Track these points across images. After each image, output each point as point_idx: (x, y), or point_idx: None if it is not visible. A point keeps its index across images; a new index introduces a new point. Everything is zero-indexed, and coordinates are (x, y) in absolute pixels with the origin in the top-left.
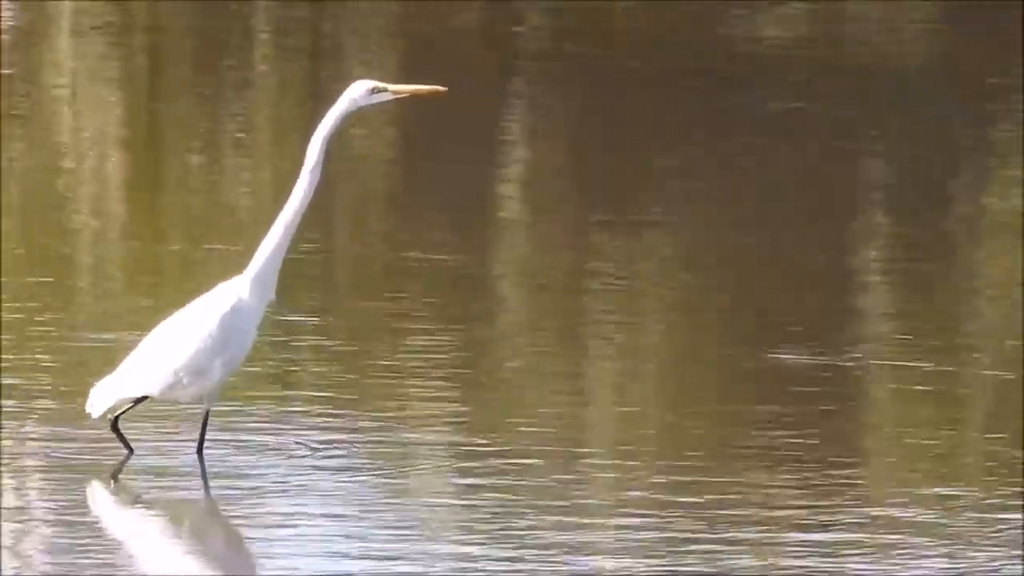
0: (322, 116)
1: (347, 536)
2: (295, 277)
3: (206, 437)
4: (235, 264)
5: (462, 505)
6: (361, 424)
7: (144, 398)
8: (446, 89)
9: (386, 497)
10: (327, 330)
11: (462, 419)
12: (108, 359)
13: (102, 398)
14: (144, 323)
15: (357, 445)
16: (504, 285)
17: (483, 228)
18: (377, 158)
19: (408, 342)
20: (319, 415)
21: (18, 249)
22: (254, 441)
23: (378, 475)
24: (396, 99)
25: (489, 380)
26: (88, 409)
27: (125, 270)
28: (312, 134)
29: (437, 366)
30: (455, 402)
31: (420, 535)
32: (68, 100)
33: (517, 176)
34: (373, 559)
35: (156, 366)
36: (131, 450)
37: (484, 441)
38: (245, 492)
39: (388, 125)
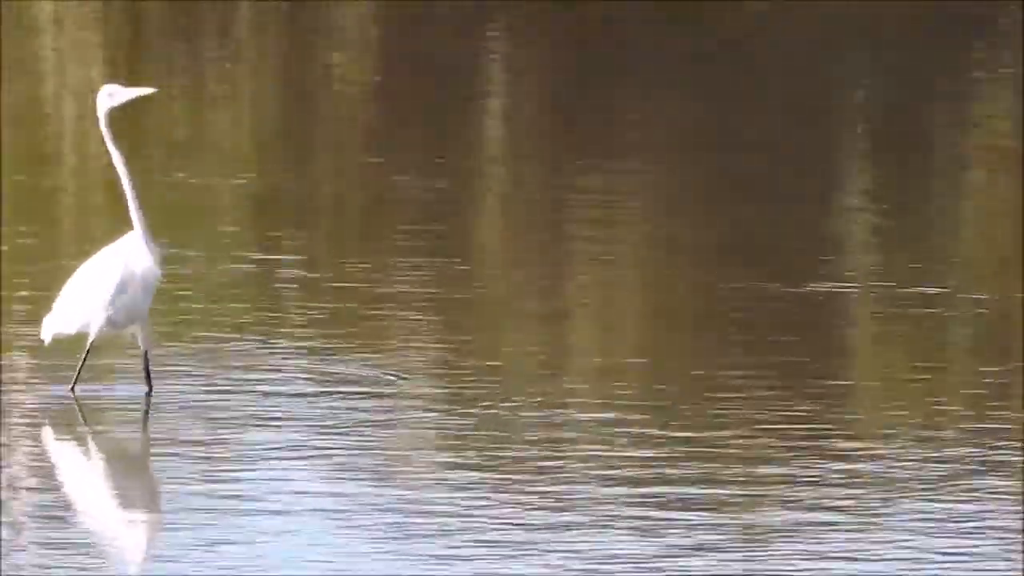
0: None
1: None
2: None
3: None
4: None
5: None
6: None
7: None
8: (156, 90)
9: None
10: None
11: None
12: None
13: (47, 330)
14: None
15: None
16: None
17: (465, 163)
18: (360, 95)
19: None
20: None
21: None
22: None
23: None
24: (130, 99)
25: (473, 313)
26: (42, 336)
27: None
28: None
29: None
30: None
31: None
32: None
33: (497, 113)
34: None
35: (73, 308)
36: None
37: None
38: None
39: (373, 61)
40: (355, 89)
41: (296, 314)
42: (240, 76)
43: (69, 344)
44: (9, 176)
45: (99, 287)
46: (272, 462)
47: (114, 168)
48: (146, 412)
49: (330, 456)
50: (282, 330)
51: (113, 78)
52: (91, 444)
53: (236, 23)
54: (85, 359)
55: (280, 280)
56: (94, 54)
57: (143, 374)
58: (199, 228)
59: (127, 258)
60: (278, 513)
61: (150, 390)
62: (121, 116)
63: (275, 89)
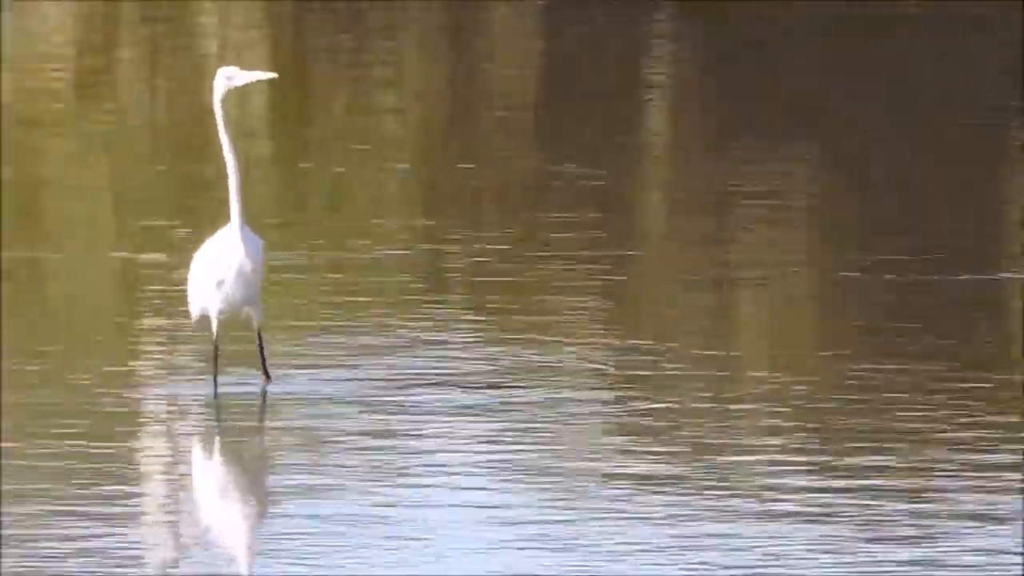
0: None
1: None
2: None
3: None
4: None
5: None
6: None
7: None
8: (276, 75)
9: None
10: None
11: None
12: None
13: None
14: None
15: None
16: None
17: (629, 151)
18: (524, 91)
19: (559, 260)
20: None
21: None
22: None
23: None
24: (247, 83)
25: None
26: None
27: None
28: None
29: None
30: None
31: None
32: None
33: (662, 98)
34: None
35: (190, 297)
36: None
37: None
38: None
39: (535, 57)
40: (519, 76)
41: (462, 301)
42: (403, 72)
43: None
44: (176, 170)
45: (201, 279)
46: (441, 456)
47: (224, 154)
48: (318, 401)
49: (501, 449)
50: (451, 318)
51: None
52: (259, 439)
53: (401, 22)
54: (216, 349)
55: (447, 267)
56: (258, 54)
57: (259, 360)
58: (366, 216)
59: (222, 250)
60: (443, 506)
61: (267, 377)
62: (288, 112)
63: (439, 83)
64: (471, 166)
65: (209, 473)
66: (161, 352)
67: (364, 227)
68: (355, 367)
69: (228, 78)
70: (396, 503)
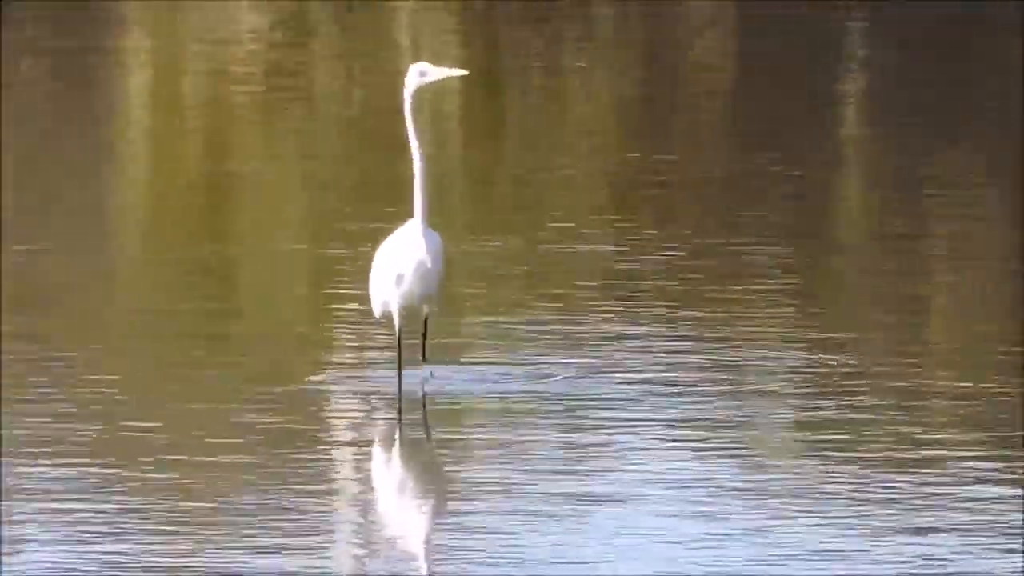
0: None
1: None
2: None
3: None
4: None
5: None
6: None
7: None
8: (467, 72)
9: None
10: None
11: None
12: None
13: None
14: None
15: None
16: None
17: (825, 146)
18: (720, 87)
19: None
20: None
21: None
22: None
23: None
24: (439, 79)
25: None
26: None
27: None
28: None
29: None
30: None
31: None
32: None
33: (851, 97)
34: None
35: (372, 293)
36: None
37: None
38: None
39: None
40: (712, 76)
41: (656, 296)
42: (597, 70)
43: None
44: (362, 165)
45: (382, 274)
46: (634, 451)
47: (411, 150)
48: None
49: (695, 446)
50: (644, 314)
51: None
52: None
53: (596, 19)
54: (399, 343)
55: (640, 262)
56: (450, 52)
57: (420, 343)
58: (560, 209)
59: (403, 246)
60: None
61: (424, 357)
62: (475, 107)
63: (633, 79)
64: (668, 158)
65: (395, 468)
66: (351, 345)
67: (559, 221)
68: (546, 362)
69: (421, 74)
70: (590, 497)
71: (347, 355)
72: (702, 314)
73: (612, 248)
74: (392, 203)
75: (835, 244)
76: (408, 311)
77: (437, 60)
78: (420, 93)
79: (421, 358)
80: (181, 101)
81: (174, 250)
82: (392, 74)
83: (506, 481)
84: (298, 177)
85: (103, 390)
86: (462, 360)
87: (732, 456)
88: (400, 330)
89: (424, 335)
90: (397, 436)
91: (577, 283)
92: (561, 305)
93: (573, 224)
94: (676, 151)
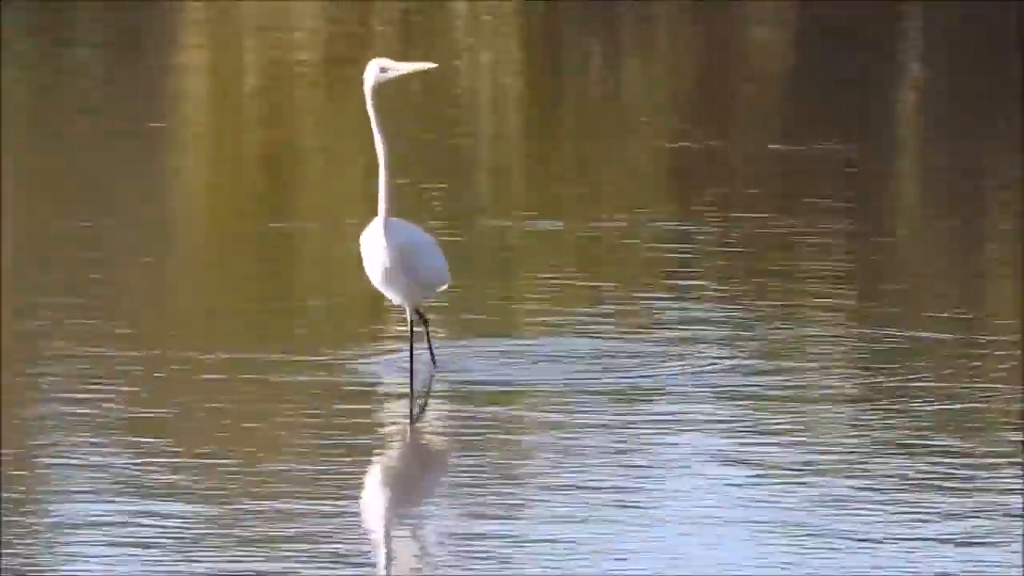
0: None
1: None
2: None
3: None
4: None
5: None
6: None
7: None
8: (436, 65)
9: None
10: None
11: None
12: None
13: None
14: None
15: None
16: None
17: (883, 133)
18: (776, 66)
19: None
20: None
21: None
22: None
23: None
24: (400, 74)
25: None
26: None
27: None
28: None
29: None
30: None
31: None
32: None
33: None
34: None
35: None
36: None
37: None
38: None
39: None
40: (772, 64)
41: (712, 280)
42: (655, 53)
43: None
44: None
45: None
46: (697, 444)
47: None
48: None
49: (756, 433)
50: (701, 296)
51: (525, 75)
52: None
53: (652, 19)
54: (410, 328)
55: (697, 245)
56: (509, 53)
57: (427, 347)
58: (619, 191)
59: (369, 245)
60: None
61: (433, 362)
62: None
63: (689, 79)
64: (724, 142)
65: (440, 462)
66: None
67: (617, 202)
68: (603, 344)
69: (382, 69)
70: (647, 492)
71: (397, 332)
72: (759, 295)
73: (671, 229)
74: (446, 178)
75: (892, 225)
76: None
77: (494, 54)
78: (387, 88)
79: (432, 363)
80: (242, 83)
81: (237, 225)
82: (448, 61)
83: (560, 466)
84: (356, 153)
85: (167, 363)
86: (513, 341)
87: (788, 436)
88: (409, 319)
89: (428, 338)
90: (411, 423)
91: (635, 265)
92: (618, 285)
93: (633, 207)
94: (732, 136)
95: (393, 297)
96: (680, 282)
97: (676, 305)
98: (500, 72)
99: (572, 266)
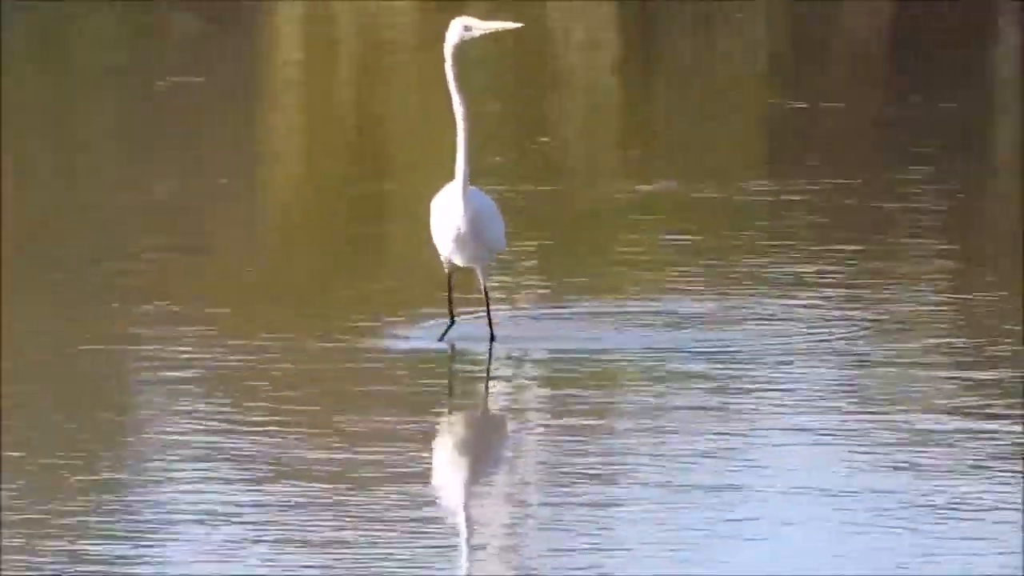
0: None
1: None
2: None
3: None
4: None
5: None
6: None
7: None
8: (523, 24)
9: None
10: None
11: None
12: None
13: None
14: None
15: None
16: None
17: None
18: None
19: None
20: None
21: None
22: None
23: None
24: (486, 33)
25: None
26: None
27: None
28: None
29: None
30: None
31: None
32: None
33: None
34: None
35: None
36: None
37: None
38: None
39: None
40: (865, 38)
41: (804, 244)
42: (749, 34)
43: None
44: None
45: (433, 230)
46: (783, 434)
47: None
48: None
49: (849, 416)
50: (794, 265)
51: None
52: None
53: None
54: (450, 299)
55: (789, 210)
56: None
57: (486, 318)
58: (709, 154)
59: (445, 208)
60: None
61: (492, 337)
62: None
63: (786, 36)
64: (823, 106)
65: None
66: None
67: (705, 167)
68: (690, 310)
69: (466, 28)
70: (733, 486)
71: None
72: (853, 266)
73: (763, 196)
74: (537, 136)
75: (992, 195)
76: (457, 266)
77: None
78: (468, 49)
79: (489, 337)
80: (335, 58)
81: (332, 186)
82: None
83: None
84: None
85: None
86: (604, 307)
87: (886, 424)
88: (449, 285)
89: (488, 310)
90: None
91: (724, 232)
92: (713, 256)
93: (726, 172)
94: (829, 99)
95: (459, 260)
96: (772, 248)
97: (768, 268)
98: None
99: (684, 229)
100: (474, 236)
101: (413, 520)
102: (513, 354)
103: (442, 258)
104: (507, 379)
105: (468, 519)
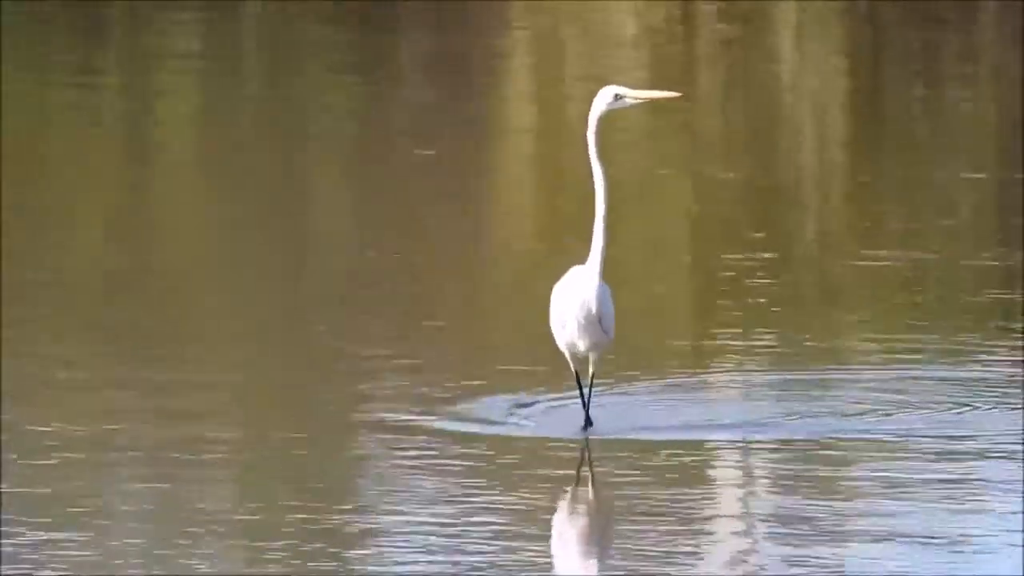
0: None
1: None
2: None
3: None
4: None
5: None
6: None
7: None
8: (681, 94)
9: None
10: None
11: None
12: None
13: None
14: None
15: None
16: None
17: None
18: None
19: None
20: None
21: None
22: None
23: None
24: (637, 103)
25: None
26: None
27: None
28: None
29: None
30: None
31: None
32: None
33: None
34: None
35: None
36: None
37: None
38: None
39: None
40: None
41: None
42: (980, 68)
43: None
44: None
45: (552, 313)
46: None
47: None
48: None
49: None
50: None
51: (852, 75)
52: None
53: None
54: (578, 386)
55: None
56: (832, 56)
57: (583, 403)
58: (939, 220)
59: (572, 293)
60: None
61: (586, 425)
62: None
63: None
64: None
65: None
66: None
67: (939, 233)
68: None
69: (617, 96)
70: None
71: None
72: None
73: (1000, 260)
74: (774, 216)
75: None
76: (576, 356)
77: (817, 64)
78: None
79: (585, 423)
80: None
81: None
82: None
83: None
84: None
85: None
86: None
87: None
88: (574, 371)
89: (587, 396)
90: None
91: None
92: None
93: (957, 234)
94: None
95: (582, 346)
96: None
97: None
98: (823, 106)
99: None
100: (602, 319)
101: None
102: None
103: (564, 350)
104: None
105: None
